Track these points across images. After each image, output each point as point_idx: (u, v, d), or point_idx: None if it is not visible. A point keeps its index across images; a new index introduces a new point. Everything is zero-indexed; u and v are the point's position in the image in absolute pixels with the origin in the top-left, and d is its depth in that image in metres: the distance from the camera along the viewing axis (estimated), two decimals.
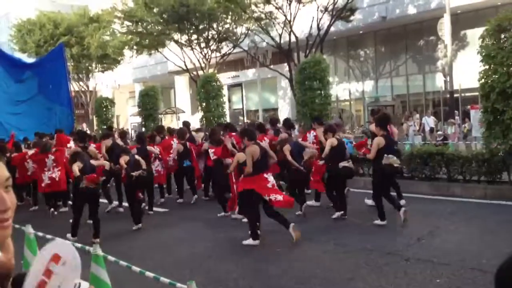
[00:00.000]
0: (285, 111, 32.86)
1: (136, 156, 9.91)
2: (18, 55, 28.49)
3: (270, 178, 7.77)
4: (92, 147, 11.34)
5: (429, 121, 21.05)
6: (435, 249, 6.78)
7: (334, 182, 9.32)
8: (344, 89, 31.56)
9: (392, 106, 27.29)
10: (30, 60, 25.69)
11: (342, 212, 9.03)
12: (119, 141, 12.25)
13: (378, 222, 8.46)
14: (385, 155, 8.33)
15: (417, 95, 28.55)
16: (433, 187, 11.11)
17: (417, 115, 23.35)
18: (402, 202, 9.45)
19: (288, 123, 11.41)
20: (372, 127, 9.16)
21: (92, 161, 9.12)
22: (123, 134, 13.90)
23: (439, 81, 24.73)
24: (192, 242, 8.36)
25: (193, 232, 9.16)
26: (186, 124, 14.07)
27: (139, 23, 27.40)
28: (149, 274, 4.42)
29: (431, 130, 20.42)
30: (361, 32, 29.24)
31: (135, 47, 29.99)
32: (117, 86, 41.38)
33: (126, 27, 28.35)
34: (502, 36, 10.42)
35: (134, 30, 28.02)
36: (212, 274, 6.52)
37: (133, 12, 26.67)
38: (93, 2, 35.29)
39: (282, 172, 10.38)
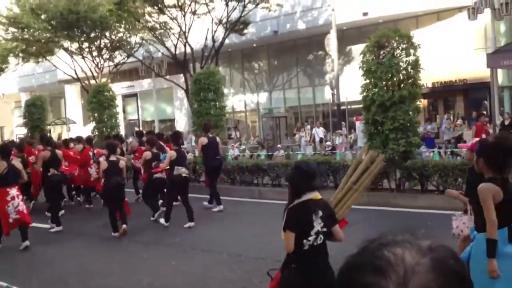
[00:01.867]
0: (182, 122, 32.69)
1: None
2: None
3: (12, 192, 8.76)
4: None
5: (319, 132, 22.05)
6: None
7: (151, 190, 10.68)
8: (239, 101, 32.06)
9: (285, 117, 28.16)
10: None
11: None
12: None
13: (162, 222, 9.75)
14: (176, 166, 9.74)
15: (308, 107, 29.72)
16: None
17: (308, 126, 24.28)
18: (221, 207, 11.00)
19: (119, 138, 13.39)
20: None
21: None
22: None
23: (328, 94, 25.91)
24: (79, 257, 8.09)
25: (80, 247, 8.88)
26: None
27: (26, 30, 25.93)
28: None
29: (321, 140, 21.40)
30: (254, 45, 29.93)
31: (20, 54, 28.31)
32: (1, 95, 38.78)
33: (11, 34, 26.68)
34: (381, 52, 11.21)
35: (20, 37, 26.42)
36: None
37: (18, 18, 25.19)
38: None
39: None
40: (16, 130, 39.28)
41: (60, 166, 11.20)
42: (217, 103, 15.50)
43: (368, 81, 11.25)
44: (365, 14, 22.97)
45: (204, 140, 11.16)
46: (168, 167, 10.06)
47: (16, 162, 9.39)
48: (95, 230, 10.07)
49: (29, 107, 20.68)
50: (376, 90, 10.99)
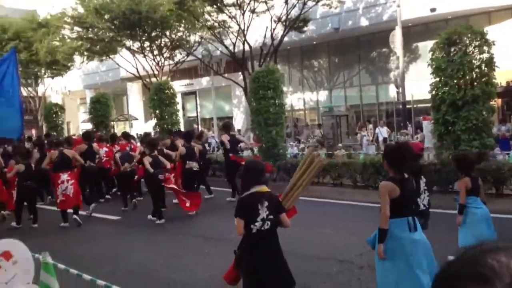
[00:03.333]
0: (239, 120, 32.74)
1: None
2: None
3: (63, 176, 10.21)
4: None
5: (383, 131, 21.33)
6: None
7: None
8: (298, 99, 31.74)
9: (346, 116, 27.52)
10: None
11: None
12: None
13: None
14: (188, 161, 11.35)
15: (371, 106, 28.97)
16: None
17: (371, 125, 23.64)
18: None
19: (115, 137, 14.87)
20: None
21: None
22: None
23: (392, 92, 25.15)
24: (144, 251, 8.23)
25: (145, 240, 9.02)
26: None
27: (90, 29, 26.73)
28: (100, 282, 4.38)
29: (384, 140, 20.69)
30: (314, 42, 29.50)
31: (85, 53, 29.29)
32: (67, 92, 40.28)
33: (76, 33, 27.61)
34: (452, 49, 10.65)
35: (85, 36, 27.30)
36: (165, 284, 6.42)
37: (83, 18, 25.99)
38: (41, 7, 34.22)
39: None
40: (81, 126, 40.72)
41: (96, 158, 12.41)
42: (276, 101, 15.32)
43: (437, 79, 10.77)
44: (433, 10, 22.10)
45: (227, 137, 12.30)
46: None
47: (68, 151, 10.71)
48: (156, 223, 10.20)
49: (94, 104, 21.35)
50: (447, 88, 10.49)
